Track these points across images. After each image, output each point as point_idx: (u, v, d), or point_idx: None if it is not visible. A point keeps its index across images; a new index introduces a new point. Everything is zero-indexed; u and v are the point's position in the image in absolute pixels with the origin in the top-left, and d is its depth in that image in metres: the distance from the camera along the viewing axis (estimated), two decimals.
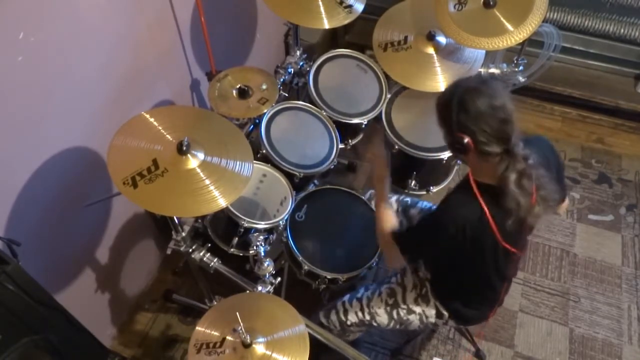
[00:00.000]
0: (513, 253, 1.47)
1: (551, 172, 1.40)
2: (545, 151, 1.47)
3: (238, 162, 1.45)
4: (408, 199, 1.95)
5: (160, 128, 1.44)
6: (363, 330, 1.88)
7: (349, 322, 1.78)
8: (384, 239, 1.60)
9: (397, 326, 1.76)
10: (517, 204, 1.30)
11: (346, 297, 1.79)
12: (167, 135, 1.42)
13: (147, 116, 1.46)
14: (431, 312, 1.70)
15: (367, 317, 1.75)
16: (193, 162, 1.38)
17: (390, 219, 1.61)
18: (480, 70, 2.00)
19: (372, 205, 1.91)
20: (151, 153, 1.37)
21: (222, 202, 1.36)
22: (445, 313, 1.69)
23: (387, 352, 2.16)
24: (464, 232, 1.35)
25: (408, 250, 1.54)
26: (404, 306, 1.72)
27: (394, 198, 1.95)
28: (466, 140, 1.30)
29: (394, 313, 1.73)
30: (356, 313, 1.76)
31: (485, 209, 1.34)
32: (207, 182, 1.37)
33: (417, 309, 1.71)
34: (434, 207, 1.88)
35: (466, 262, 1.49)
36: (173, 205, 1.36)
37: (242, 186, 1.41)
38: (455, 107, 1.30)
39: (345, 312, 1.77)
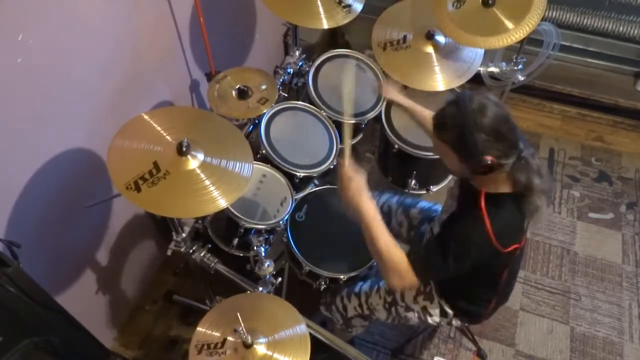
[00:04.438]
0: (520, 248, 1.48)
1: (539, 162, 1.40)
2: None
3: (238, 162, 1.45)
4: (408, 199, 1.95)
5: (159, 129, 1.44)
6: (365, 324, 1.89)
7: (349, 315, 1.79)
8: (387, 259, 1.42)
9: (396, 321, 1.77)
10: (536, 207, 1.32)
11: (344, 292, 1.80)
12: (167, 136, 1.42)
13: (147, 117, 1.46)
14: (435, 311, 1.70)
15: (367, 312, 1.76)
16: (193, 162, 1.38)
17: (389, 239, 1.43)
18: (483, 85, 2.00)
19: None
20: (151, 155, 1.37)
21: (223, 202, 1.36)
22: (450, 311, 1.69)
23: (388, 351, 2.16)
24: (491, 245, 1.35)
25: (432, 275, 1.46)
26: (402, 303, 1.72)
27: (394, 199, 1.95)
28: (489, 160, 1.27)
29: (392, 310, 1.73)
30: (355, 308, 1.77)
31: (488, 223, 1.32)
32: (208, 182, 1.37)
33: (416, 307, 1.71)
34: (435, 206, 1.89)
35: (491, 268, 1.49)
36: (178, 206, 1.36)
37: (243, 185, 1.41)
38: (474, 130, 1.25)
39: (345, 307, 1.78)
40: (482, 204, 1.34)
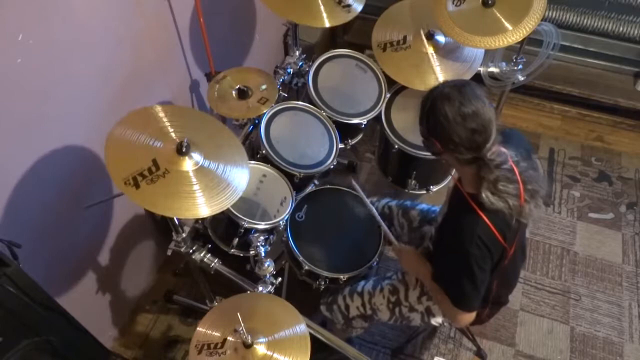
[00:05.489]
0: (517, 251, 1.49)
1: (532, 163, 1.41)
2: (523, 144, 1.49)
3: (234, 167, 1.45)
4: (408, 202, 1.95)
5: (167, 124, 1.44)
6: (366, 326, 1.89)
7: (351, 316, 1.79)
8: (434, 290, 1.59)
9: (399, 322, 1.77)
10: (507, 205, 1.31)
11: (347, 291, 1.80)
12: (172, 133, 1.42)
13: (158, 110, 1.47)
14: (438, 312, 1.70)
15: (369, 312, 1.76)
16: (190, 163, 1.38)
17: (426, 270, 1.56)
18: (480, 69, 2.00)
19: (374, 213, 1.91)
20: (151, 151, 1.37)
21: (204, 211, 1.36)
22: None
23: (388, 351, 2.16)
24: (487, 246, 1.36)
25: (472, 298, 1.44)
26: (406, 304, 1.72)
27: (393, 202, 1.95)
28: (436, 143, 1.34)
29: (396, 310, 1.73)
30: (357, 308, 1.77)
31: (485, 218, 1.34)
32: (206, 184, 1.37)
33: (420, 308, 1.71)
34: (434, 207, 1.89)
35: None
36: (175, 206, 1.35)
37: (238, 193, 1.42)
38: (427, 110, 1.34)
39: (347, 307, 1.78)
40: (471, 201, 1.35)
